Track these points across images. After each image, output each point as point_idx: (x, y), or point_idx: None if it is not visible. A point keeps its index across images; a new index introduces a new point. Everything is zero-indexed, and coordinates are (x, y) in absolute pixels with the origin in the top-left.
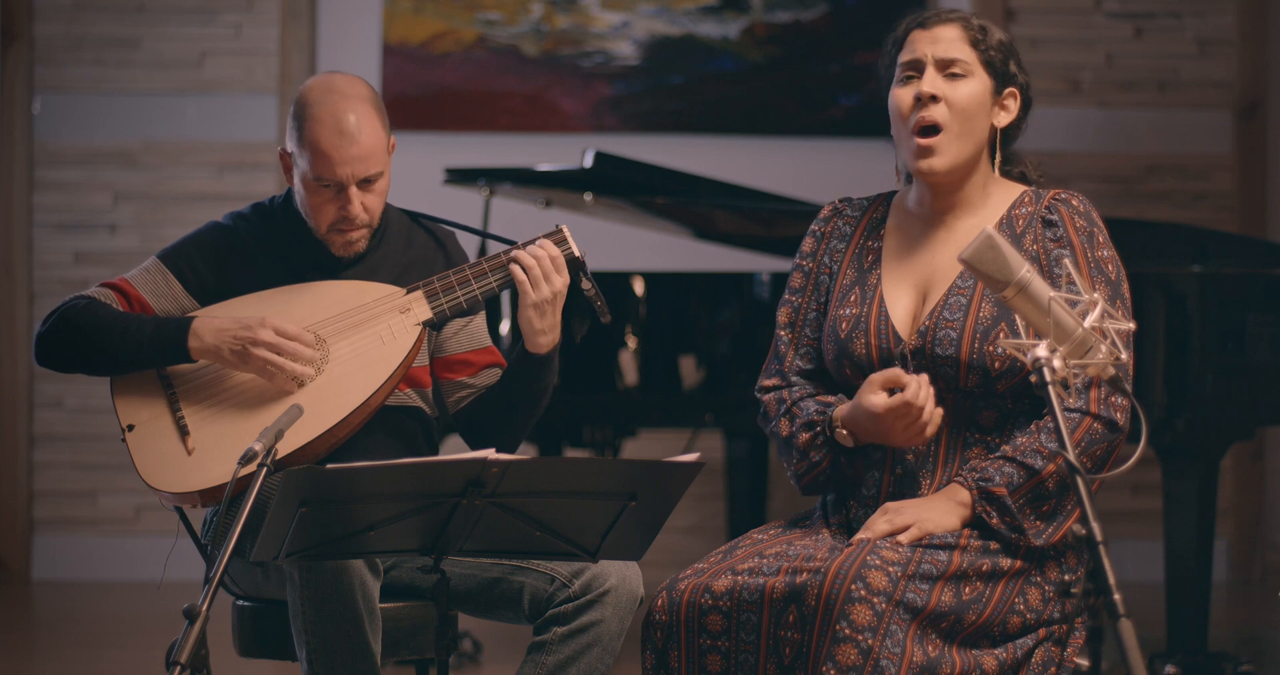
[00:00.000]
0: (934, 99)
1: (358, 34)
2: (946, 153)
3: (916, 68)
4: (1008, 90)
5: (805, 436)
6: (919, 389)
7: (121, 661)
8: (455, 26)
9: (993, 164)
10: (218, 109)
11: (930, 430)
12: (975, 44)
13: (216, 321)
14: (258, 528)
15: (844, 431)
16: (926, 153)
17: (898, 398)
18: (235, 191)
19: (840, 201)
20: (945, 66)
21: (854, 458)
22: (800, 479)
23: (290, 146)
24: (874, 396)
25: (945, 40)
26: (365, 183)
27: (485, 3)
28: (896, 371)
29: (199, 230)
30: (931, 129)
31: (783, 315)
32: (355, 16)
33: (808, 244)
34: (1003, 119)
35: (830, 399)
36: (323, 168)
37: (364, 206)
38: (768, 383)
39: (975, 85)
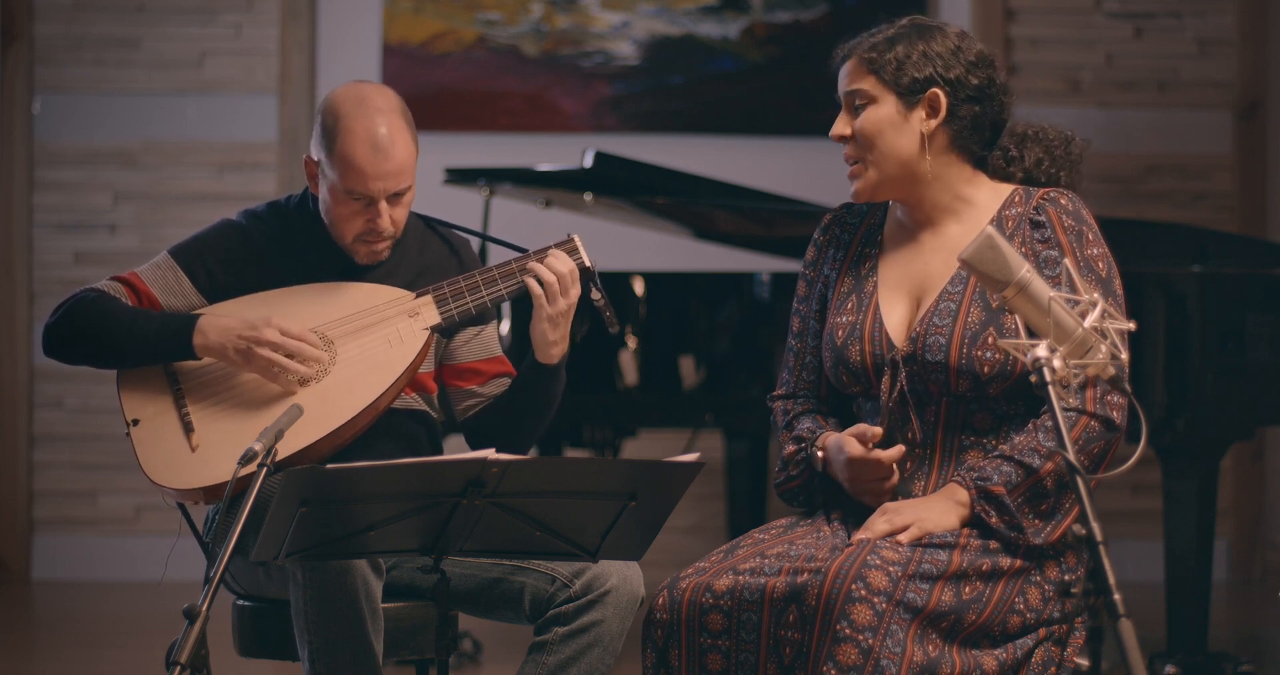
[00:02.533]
0: (842, 139)
1: (358, 34)
2: (865, 178)
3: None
4: (928, 93)
5: (791, 449)
6: (893, 453)
7: (121, 661)
8: (455, 26)
9: (971, 161)
10: (218, 109)
11: (881, 497)
12: (870, 67)
13: (222, 320)
14: (259, 527)
15: (820, 455)
16: (851, 181)
17: (869, 453)
18: (235, 191)
19: (841, 208)
20: (851, 101)
21: (828, 481)
22: (778, 487)
23: (318, 155)
24: (854, 441)
25: (846, 76)
26: (394, 197)
27: (485, 3)
28: (877, 433)
29: (212, 227)
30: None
31: (793, 324)
32: (355, 16)
33: (810, 253)
34: (930, 124)
35: (825, 423)
36: (354, 182)
37: (391, 220)
38: (777, 393)
39: (877, 109)
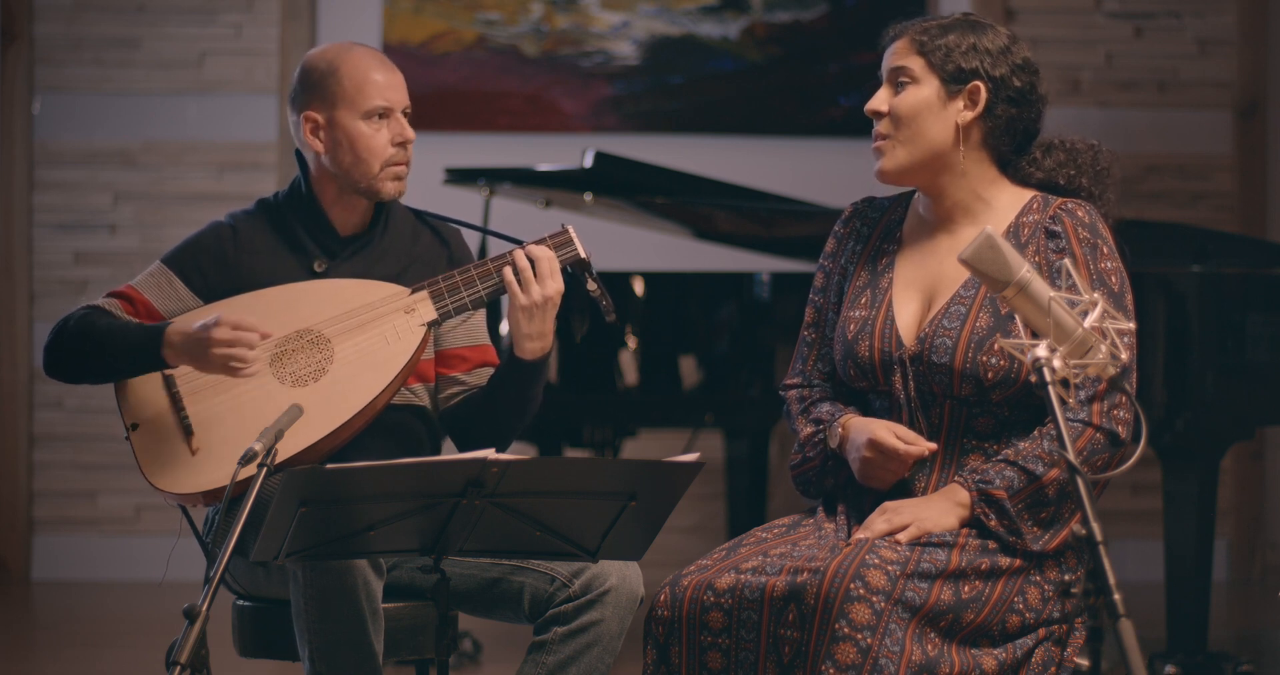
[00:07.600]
0: (877, 115)
1: (358, 34)
2: (891, 156)
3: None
4: (970, 85)
5: (808, 431)
6: (916, 451)
7: (121, 661)
8: (455, 26)
9: (997, 163)
10: (218, 109)
11: (886, 483)
12: (920, 48)
13: (182, 324)
14: (259, 527)
15: (840, 432)
16: (875, 156)
17: (893, 445)
18: (235, 191)
19: (863, 202)
20: (894, 78)
21: (841, 465)
22: (793, 469)
23: (317, 104)
24: (883, 429)
25: (894, 54)
26: (405, 115)
27: (485, 3)
28: (915, 438)
29: (201, 231)
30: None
31: (807, 315)
32: (355, 16)
33: (829, 245)
34: (966, 116)
35: (845, 408)
36: (375, 94)
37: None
38: (790, 381)
39: (919, 91)
